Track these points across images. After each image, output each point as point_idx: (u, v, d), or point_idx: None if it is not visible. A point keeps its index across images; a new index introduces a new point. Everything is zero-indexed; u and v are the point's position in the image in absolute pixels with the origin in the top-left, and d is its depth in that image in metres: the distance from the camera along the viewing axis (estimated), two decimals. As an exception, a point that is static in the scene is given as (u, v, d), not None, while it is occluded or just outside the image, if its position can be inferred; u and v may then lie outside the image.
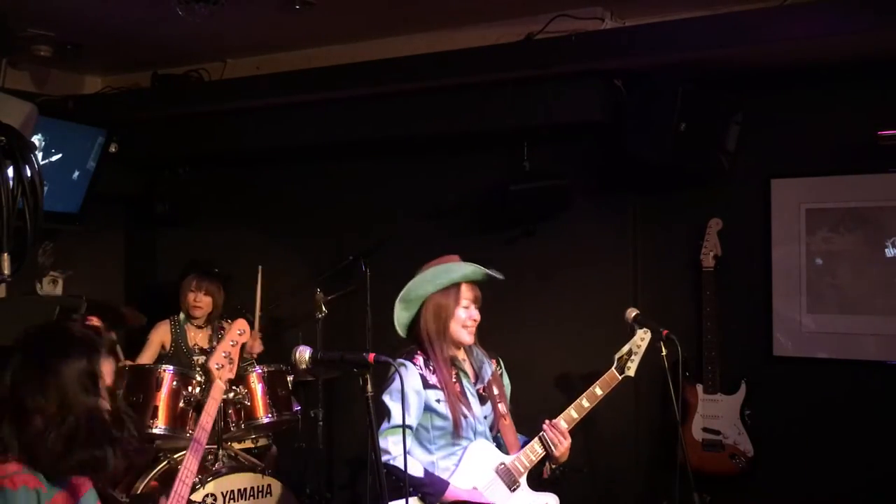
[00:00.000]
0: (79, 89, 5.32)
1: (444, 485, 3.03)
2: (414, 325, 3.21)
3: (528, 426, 4.57)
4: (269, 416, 4.26)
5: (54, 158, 4.68)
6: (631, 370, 3.47)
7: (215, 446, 4.07)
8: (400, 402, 2.94)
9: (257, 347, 4.79)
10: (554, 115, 4.23)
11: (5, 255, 2.94)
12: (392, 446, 3.03)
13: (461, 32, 4.30)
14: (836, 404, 4.11)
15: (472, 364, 3.27)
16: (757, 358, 4.28)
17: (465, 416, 3.12)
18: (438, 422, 3.12)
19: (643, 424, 4.52)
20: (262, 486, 4.05)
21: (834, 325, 4.14)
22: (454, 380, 3.17)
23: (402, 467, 2.89)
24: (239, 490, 3.96)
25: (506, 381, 3.43)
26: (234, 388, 4.19)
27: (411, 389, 3.06)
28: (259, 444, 4.61)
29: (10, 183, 2.91)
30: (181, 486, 2.67)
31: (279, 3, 3.91)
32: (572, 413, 3.30)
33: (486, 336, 4.54)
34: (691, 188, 4.38)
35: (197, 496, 3.82)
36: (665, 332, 3.54)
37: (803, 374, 4.20)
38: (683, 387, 4.16)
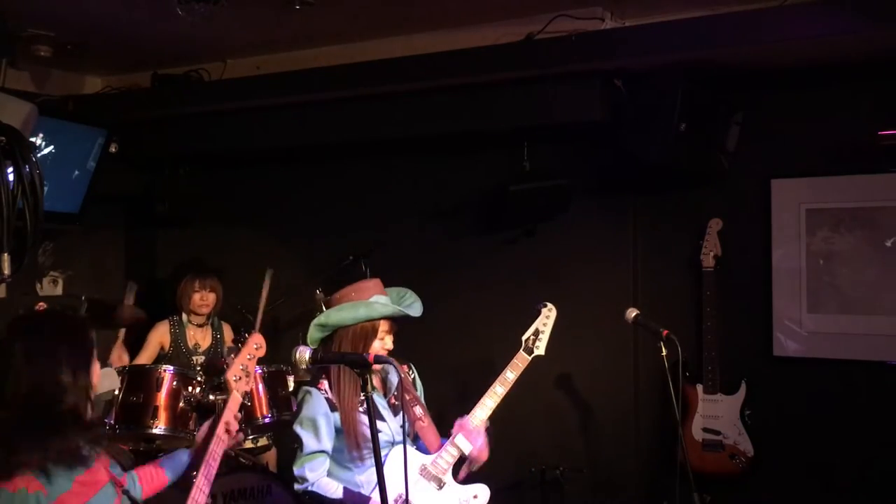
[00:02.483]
0: (79, 89, 5.32)
1: (365, 500, 3.06)
2: (323, 344, 3.23)
3: (528, 425, 4.59)
4: (270, 416, 4.25)
5: (54, 159, 4.68)
6: (540, 349, 3.50)
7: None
8: (314, 431, 3.09)
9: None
10: (554, 115, 4.22)
11: (5, 255, 2.94)
12: (308, 473, 3.10)
13: (461, 32, 4.29)
14: (836, 404, 4.11)
15: (379, 378, 3.29)
16: (757, 358, 4.28)
17: (380, 431, 3.03)
18: (339, 445, 3.15)
19: (643, 425, 4.52)
20: (262, 486, 4.05)
21: (834, 325, 4.14)
22: (361, 398, 3.11)
23: (320, 492, 3.06)
24: (239, 490, 3.95)
25: (418, 384, 3.44)
26: (234, 388, 4.18)
27: (320, 414, 3.12)
28: (259, 444, 4.61)
29: (10, 183, 2.91)
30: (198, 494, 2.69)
31: (279, 3, 3.91)
32: (486, 402, 3.34)
33: (487, 336, 4.56)
34: (691, 188, 4.38)
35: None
36: (665, 332, 3.54)
37: (803, 374, 4.20)
38: (683, 387, 4.16)
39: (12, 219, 2.95)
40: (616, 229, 4.57)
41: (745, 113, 4.13)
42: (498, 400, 3.36)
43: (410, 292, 3.36)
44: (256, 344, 2.98)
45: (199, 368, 4.51)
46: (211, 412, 4.24)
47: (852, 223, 4.11)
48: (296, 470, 3.13)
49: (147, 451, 4.27)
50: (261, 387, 4.29)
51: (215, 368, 4.26)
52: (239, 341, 4.38)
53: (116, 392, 4.05)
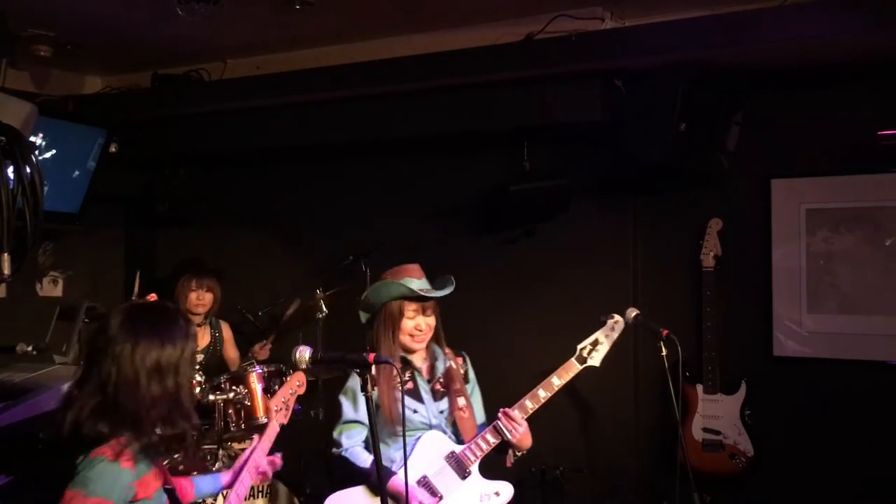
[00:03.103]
0: (79, 89, 5.32)
1: (390, 474, 3.19)
2: (371, 322, 3.45)
3: (528, 425, 4.58)
4: (269, 416, 4.25)
5: (54, 159, 4.68)
6: (595, 360, 3.48)
7: (215, 446, 4.07)
8: (352, 401, 3.33)
9: (263, 355, 4.83)
10: (554, 115, 4.22)
11: (5, 255, 2.94)
12: (344, 440, 3.31)
13: (461, 32, 4.30)
14: (836, 404, 4.12)
15: (427, 362, 3.44)
16: (757, 358, 4.28)
17: (416, 411, 3.31)
18: (383, 417, 3.29)
19: (643, 424, 4.52)
20: (262, 486, 4.05)
21: (834, 325, 4.14)
22: (407, 378, 3.35)
23: (352, 459, 3.25)
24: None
25: (471, 376, 3.55)
26: (233, 388, 4.19)
27: (360, 389, 3.17)
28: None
29: (11, 183, 2.91)
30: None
31: (279, 3, 3.91)
32: (527, 403, 3.38)
33: (487, 336, 4.56)
34: (691, 188, 4.38)
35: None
36: (665, 332, 3.54)
37: (803, 374, 4.20)
38: (683, 387, 4.16)
39: (12, 219, 2.94)
40: (616, 229, 4.57)
41: (745, 113, 4.13)
42: (538, 404, 3.38)
43: (450, 278, 3.44)
44: (299, 381, 3.17)
45: (198, 368, 4.50)
46: (211, 412, 4.26)
47: (852, 223, 4.11)
48: (334, 435, 3.34)
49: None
50: (260, 387, 4.28)
51: (237, 377, 4.29)
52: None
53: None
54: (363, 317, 3.46)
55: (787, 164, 4.23)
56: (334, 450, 3.32)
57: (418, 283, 3.37)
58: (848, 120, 4.09)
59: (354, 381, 3.30)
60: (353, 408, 3.33)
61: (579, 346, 3.48)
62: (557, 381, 3.41)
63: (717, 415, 4.18)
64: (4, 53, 4.25)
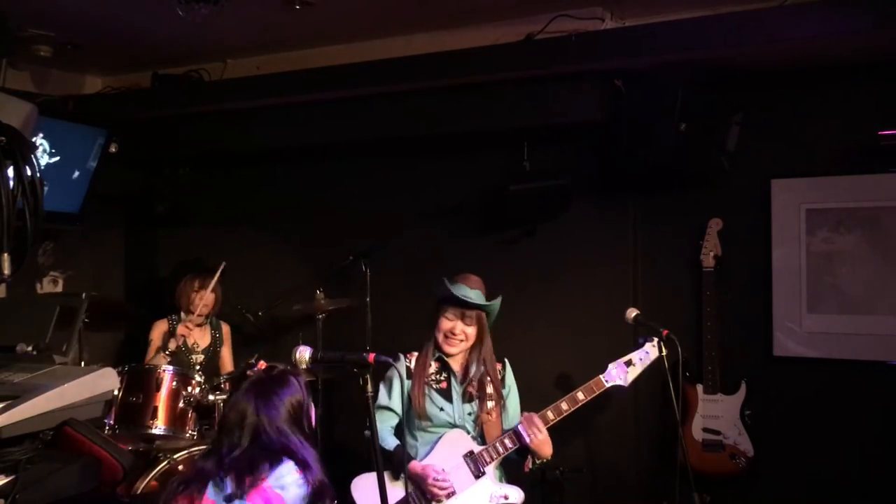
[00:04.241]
0: (79, 89, 5.31)
1: (410, 460, 3.39)
2: None
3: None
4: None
5: (54, 158, 4.68)
6: (623, 380, 3.51)
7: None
8: (388, 389, 3.60)
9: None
10: (554, 115, 4.22)
11: (5, 255, 2.94)
12: (377, 423, 3.45)
13: (461, 32, 4.30)
14: (836, 404, 4.12)
15: (464, 366, 3.63)
16: (757, 358, 4.28)
17: (442, 409, 3.53)
18: (412, 409, 3.54)
19: (643, 424, 4.52)
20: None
21: (834, 325, 4.14)
22: (442, 377, 3.59)
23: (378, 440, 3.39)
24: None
25: (508, 381, 3.71)
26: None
27: (396, 377, 3.57)
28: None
29: (11, 183, 2.91)
30: None
31: (279, 3, 3.91)
32: (548, 414, 3.50)
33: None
34: (691, 188, 4.38)
35: (197, 496, 3.81)
36: (665, 332, 3.55)
37: (803, 374, 4.20)
38: (683, 387, 4.16)
39: (12, 219, 2.94)
40: (616, 229, 4.57)
41: (745, 113, 4.13)
42: (559, 417, 3.48)
43: (498, 299, 3.68)
44: None
45: (198, 368, 4.51)
46: (210, 412, 4.26)
47: (852, 223, 4.11)
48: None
49: (146, 451, 4.28)
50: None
51: (238, 377, 4.31)
52: None
53: (116, 392, 4.05)
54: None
55: (787, 164, 4.23)
56: (366, 432, 3.44)
57: (466, 291, 3.56)
58: (848, 120, 4.09)
59: (393, 372, 3.56)
60: (388, 394, 3.56)
61: (610, 365, 3.53)
62: (582, 396, 3.52)
63: (717, 415, 4.18)
64: (4, 53, 4.25)
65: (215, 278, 4.81)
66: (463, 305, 3.56)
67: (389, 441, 3.46)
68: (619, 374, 3.53)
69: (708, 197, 4.36)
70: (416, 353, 3.65)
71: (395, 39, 4.49)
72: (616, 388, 3.57)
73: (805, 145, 4.18)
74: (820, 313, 4.17)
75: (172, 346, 4.74)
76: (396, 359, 3.62)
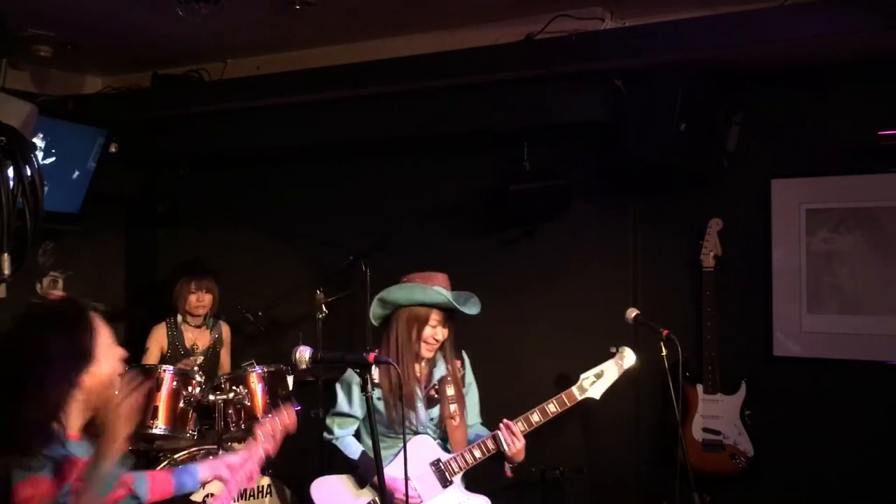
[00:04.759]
0: (79, 89, 5.31)
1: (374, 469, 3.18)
2: (385, 323, 3.46)
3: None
4: (270, 416, 4.25)
5: (54, 158, 4.68)
6: (594, 393, 3.52)
7: (215, 446, 4.08)
8: (346, 394, 3.41)
9: None
10: (554, 115, 4.22)
11: (5, 255, 2.94)
12: (336, 429, 3.42)
13: (461, 32, 4.29)
14: (836, 404, 4.11)
15: (427, 370, 3.49)
16: (757, 358, 4.28)
17: (408, 419, 3.37)
18: (378, 416, 3.33)
19: (643, 424, 4.52)
20: (263, 486, 4.06)
21: (834, 325, 4.14)
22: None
23: (342, 448, 3.36)
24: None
25: (469, 377, 3.60)
26: (233, 388, 4.19)
27: (356, 382, 3.36)
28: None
29: (11, 183, 2.91)
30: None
31: (279, 3, 3.91)
32: (521, 424, 3.42)
33: (487, 336, 4.56)
34: (691, 188, 4.38)
35: (197, 496, 3.82)
36: (665, 332, 3.55)
37: (803, 374, 4.20)
38: (683, 387, 4.16)
39: (12, 219, 2.95)
40: (616, 229, 4.57)
41: (745, 113, 4.13)
42: (530, 427, 3.43)
43: (475, 297, 3.51)
44: (289, 416, 3.07)
45: (197, 368, 4.51)
46: (210, 412, 4.26)
47: (852, 223, 4.11)
48: (327, 421, 3.43)
49: (147, 451, 4.28)
50: (260, 387, 4.29)
51: (237, 377, 4.29)
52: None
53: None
54: (377, 314, 3.46)
55: (787, 164, 4.23)
56: (326, 435, 3.40)
57: (448, 295, 3.42)
58: (848, 120, 4.09)
59: (350, 374, 3.37)
60: (348, 401, 3.38)
61: (582, 376, 3.53)
62: (554, 408, 3.47)
63: (717, 415, 4.17)
64: (4, 53, 4.25)
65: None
66: (451, 309, 3.41)
67: (354, 448, 3.36)
68: (590, 387, 3.54)
69: (708, 197, 4.36)
70: (372, 356, 3.39)
71: (395, 39, 4.49)
72: (588, 401, 3.56)
73: (805, 145, 4.18)
74: (820, 313, 4.17)
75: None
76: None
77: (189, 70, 5.06)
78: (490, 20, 4.21)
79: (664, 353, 3.54)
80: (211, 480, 2.80)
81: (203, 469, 2.77)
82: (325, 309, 4.65)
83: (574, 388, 3.50)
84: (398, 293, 3.42)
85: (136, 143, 5.17)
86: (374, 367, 2.81)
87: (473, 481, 3.57)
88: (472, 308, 3.45)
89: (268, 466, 4.34)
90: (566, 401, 3.47)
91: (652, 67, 3.96)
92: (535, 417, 3.42)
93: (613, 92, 4.17)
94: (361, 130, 4.73)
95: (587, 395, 3.51)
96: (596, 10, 4.00)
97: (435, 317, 3.40)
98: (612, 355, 3.62)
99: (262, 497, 4.10)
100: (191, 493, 2.90)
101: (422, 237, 4.94)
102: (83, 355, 2.27)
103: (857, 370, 4.09)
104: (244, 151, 5.26)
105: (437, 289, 3.41)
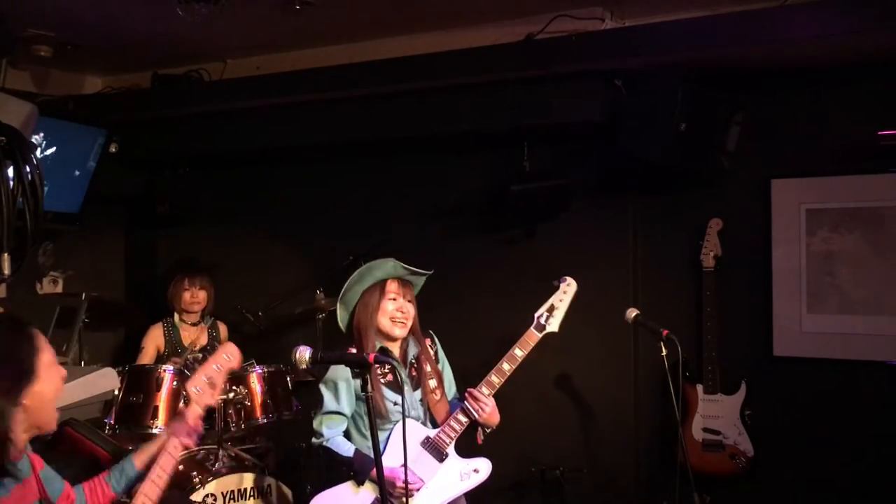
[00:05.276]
0: (79, 89, 5.31)
1: (371, 464, 3.14)
2: (351, 321, 3.43)
3: (528, 426, 4.59)
4: (269, 416, 4.26)
5: (54, 159, 4.68)
6: (553, 326, 3.47)
7: (216, 446, 4.08)
8: (333, 393, 3.31)
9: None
10: (554, 115, 4.22)
11: (5, 255, 2.94)
12: (325, 430, 3.31)
13: (461, 32, 4.30)
14: (836, 404, 4.12)
15: (402, 351, 3.44)
16: (757, 358, 4.28)
17: (396, 403, 3.28)
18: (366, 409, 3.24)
19: (643, 424, 4.52)
20: (262, 486, 4.05)
21: (834, 325, 4.14)
22: (387, 370, 3.34)
23: (334, 448, 3.28)
24: (239, 490, 3.96)
25: (441, 354, 3.57)
26: (234, 388, 4.19)
27: (342, 379, 3.31)
28: (259, 444, 4.61)
29: (11, 183, 2.91)
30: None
31: (279, 3, 3.91)
32: (493, 378, 3.37)
33: (487, 336, 4.56)
34: (691, 188, 4.38)
35: (197, 496, 3.82)
36: (665, 332, 3.54)
37: (803, 374, 4.20)
38: (683, 387, 4.16)
39: (12, 219, 2.95)
40: (616, 229, 4.57)
41: (745, 113, 4.13)
42: (504, 378, 3.37)
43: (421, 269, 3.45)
44: (227, 354, 2.75)
45: (196, 368, 4.50)
46: (211, 412, 4.25)
47: (852, 223, 4.11)
48: (315, 425, 3.34)
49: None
50: (260, 387, 4.29)
51: (237, 377, 4.22)
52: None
53: (116, 392, 4.05)
54: (343, 319, 3.45)
55: (787, 164, 4.23)
56: (315, 440, 3.36)
57: (396, 263, 3.38)
58: (848, 120, 4.09)
59: (335, 372, 3.32)
60: (335, 399, 3.33)
61: (536, 315, 3.48)
62: (520, 352, 3.41)
63: (717, 415, 4.18)
64: (4, 53, 4.25)
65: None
66: (400, 277, 3.38)
67: (346, 447, 3.32)
68: (546, 322, 3.50)
69: (708, 197, 4.36)
70: (352, 350, 3.38)
71: (395, 39, 4.49)
72: (549, 336, 3.50)
73: (805, 145, 4.18)
74: (820, 313, 4.17)
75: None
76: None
77: (189, 70, 5.06)
78: (490, 20, 4.21)
79: (664, 353, 3.54)
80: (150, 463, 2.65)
81: (137, 463, 2.68)
82: (324, 308, 4.66)
83: (532, 328, 3.46)
84: (353, 285, 3.39)
85: (135, 143, 5.17)
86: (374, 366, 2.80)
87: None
88: (423, 271, 3.42)
89: (268, 466, 4.34)
90: (529, 342, 3.41)
91: (652, 67, 3.96)
92: (505, 366, 3.35)
93: (613, 92, 4.17)
94: (361, 130, 4.73)
95: (547, 331, 3.47)
96: (596, 10, 4.00)
97: (391, 287, 3.36)
98: (556, 288, 3.58)
99: (262, 497, 4.09)
100: (136, 480, 2.67)
101: (422, 237, 4.94)
102: (24, 373, 2.21)
103: (857, 370, 4.09)
104: (244, 151, 5.26)
105: (380, 260, 3.38)
